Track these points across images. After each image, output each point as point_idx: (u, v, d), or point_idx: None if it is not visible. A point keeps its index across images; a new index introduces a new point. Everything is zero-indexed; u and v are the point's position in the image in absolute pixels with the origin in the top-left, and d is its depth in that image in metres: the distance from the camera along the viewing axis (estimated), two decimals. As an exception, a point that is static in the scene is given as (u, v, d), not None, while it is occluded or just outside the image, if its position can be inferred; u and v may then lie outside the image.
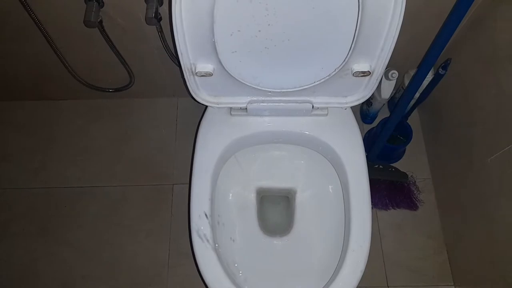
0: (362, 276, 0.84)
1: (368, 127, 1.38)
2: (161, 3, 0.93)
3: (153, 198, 1.32)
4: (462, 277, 1.16)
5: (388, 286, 1.19)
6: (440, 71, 0.98)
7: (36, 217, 1.31)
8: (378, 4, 0.69)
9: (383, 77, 1.15)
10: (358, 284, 0.83)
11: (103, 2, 0.95)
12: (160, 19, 0.95)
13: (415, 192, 1.27)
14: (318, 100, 0.91)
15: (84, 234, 1.29)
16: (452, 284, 1.18)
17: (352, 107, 0.95)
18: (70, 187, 1.34)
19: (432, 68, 1.10)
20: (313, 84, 0.85)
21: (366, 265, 0.85)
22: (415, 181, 1.28)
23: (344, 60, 0.78)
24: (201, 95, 0.91)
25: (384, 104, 1.31)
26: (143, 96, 1.43)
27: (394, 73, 1.13)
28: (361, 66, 0.80)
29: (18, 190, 1.35)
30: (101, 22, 0.98)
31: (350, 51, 0.76)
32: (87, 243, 1.28)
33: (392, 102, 1.36)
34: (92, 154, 1.39)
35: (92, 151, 1.39)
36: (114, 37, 1.03)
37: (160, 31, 0.99)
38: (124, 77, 1.21)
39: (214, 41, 0.75)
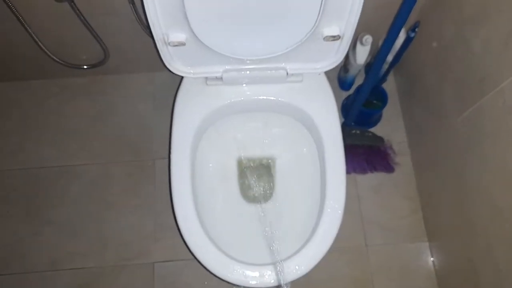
0: (341, 236, 0.88)
1: (346, 94, 1.40)
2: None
3: (135, 174, 1.33)
4: (435, 233, 1.22)
5: (366, 245, 1.24)
6: (409, 34, 1.00)
7: (18, 198, 1.31)
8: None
9: (358, 42, 1.17)
10: (338, 243, 0.87)
11: (71, -25, 0.93)
12: (131, -11, 0.94)
13: (391, 155, 1.31)
14: (292, 67, 0.93)
15: (68, 212, 1.29)
16: (427, 240, 1.25)
17: (329, 75, 0.97)
18: (49, 167, 1.34)
19: (405, 31, 1.12)
20: (286, 50, 0.87)
21: (345, 226, 0.89)
22: (391, 145, 1.32)
23: (314, 25, 0.79)
24: (176, 65, 0.91)
25: (360, 70, 1.33)
26: (119, 72, 1.42)
27: (368, 38, 1.14)
28: (331, 30, 0.82)
29: (-3, 173, 1.34)
30: (70, -5, 0.97)
31: (319, 16, 0.77)
32: (71, 221, 1.28)
33: (368, 68, 1.38)
34: (69, 134, 1.38)
35: (69, 131, 1.38)
36: (85, 11, 1.02)
37: (132, 2, 0.98)
38: (99, 53, 1.20)
39: (184, 10, 0.75)
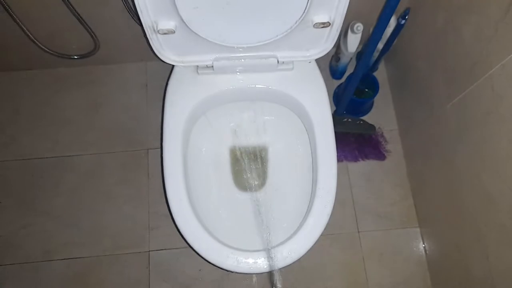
0: (334, 223, 0.89)
1: (338, 83, 1.41)
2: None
3: (129, 164, 1.33)
4: (426, 220, 1.24)
5: (358, 231, 1.26)
6: (400, 21, 1.00)
7: (12, 190, 1.31)
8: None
9: (349, 30, 1.17)
10: (330, 230, 0.88)
11: (57, -38, 0.92)
12: (119, -23, 0.93)
13: (382, 143, 1.32)
14: (283, 54, 0.93)
15: (62, 203, 1.29)
16: (417, 226, 1.27)
17: (321, 64, 0.97)
18: (43, 158, 1.34)
19: (395, 18, 1.12)
20: (276, 38, 0.86)
21: (337, 213, 0.89)
22: (382, 133, 1.33)
23: (304, 12, 0.79)
24: (166, 54, 0.91)
25: (352, 59, 1.33)
26: (110, 62, 1.40)
27: (359, 26, 1.14)
28: (320, 17, 0.82)
29: (-10, 164, 1.33)
30: (58, -17, 0.96)
31: (309, 3, 0.77)
32: (66, 211, 1.28)
33: (360, 56, 1.38)
34: (62, 125, 1.37)
35: (62, 122, 1.38)
36: (75, 0, 1.01)
37: (120, -10, 0.97)
38: (89, 43, 1.19)
39: (173, -3, 0.75)
